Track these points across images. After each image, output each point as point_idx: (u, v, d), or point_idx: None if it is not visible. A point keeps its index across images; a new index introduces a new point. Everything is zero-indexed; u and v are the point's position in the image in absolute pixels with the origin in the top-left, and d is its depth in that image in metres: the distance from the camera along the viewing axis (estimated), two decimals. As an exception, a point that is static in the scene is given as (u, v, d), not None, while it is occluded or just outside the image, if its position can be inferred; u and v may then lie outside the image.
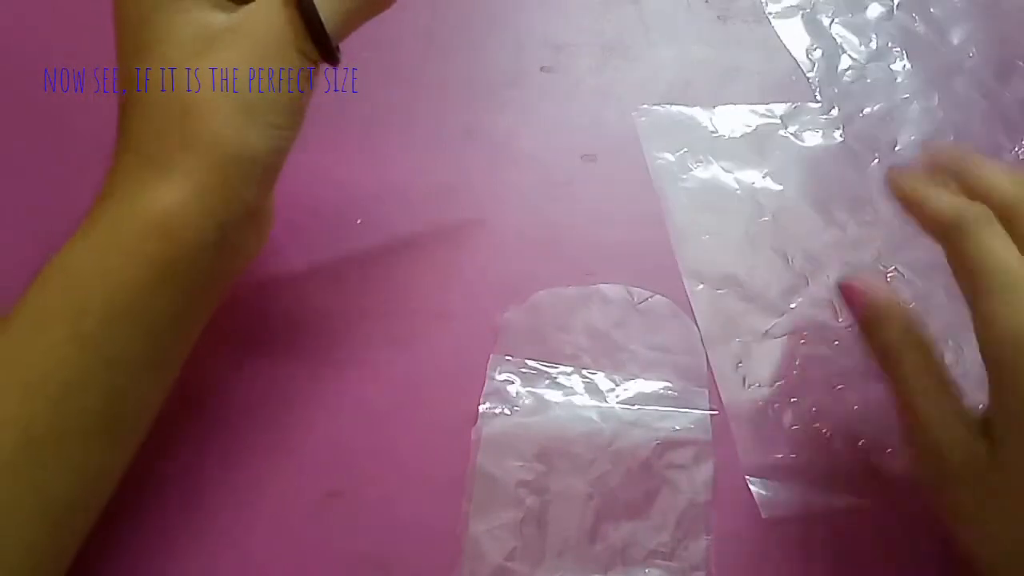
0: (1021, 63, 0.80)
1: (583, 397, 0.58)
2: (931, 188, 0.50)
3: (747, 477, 0.55)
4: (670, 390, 0.59)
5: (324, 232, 0.65)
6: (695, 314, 0.62)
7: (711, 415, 0.57)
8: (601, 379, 0.59)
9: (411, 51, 0.77)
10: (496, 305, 0.62)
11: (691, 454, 0.56)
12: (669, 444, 0.56)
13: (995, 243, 0.46)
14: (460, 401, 0.58)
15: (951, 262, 0.48)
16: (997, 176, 0.49)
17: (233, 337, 0.59)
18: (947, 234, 0.48)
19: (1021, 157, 0.73)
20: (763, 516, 0.55)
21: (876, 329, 0.51)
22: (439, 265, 0.64)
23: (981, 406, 0.58)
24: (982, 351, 0.45)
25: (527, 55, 0.78)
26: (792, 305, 0.63)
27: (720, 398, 0.59)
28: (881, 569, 0.54)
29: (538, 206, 0.68)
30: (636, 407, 0.57)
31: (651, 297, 0.63)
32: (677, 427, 0.56)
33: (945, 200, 0.49)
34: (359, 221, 0.66)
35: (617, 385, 0.59)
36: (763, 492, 0.55)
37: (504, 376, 0.58)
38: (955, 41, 0.82)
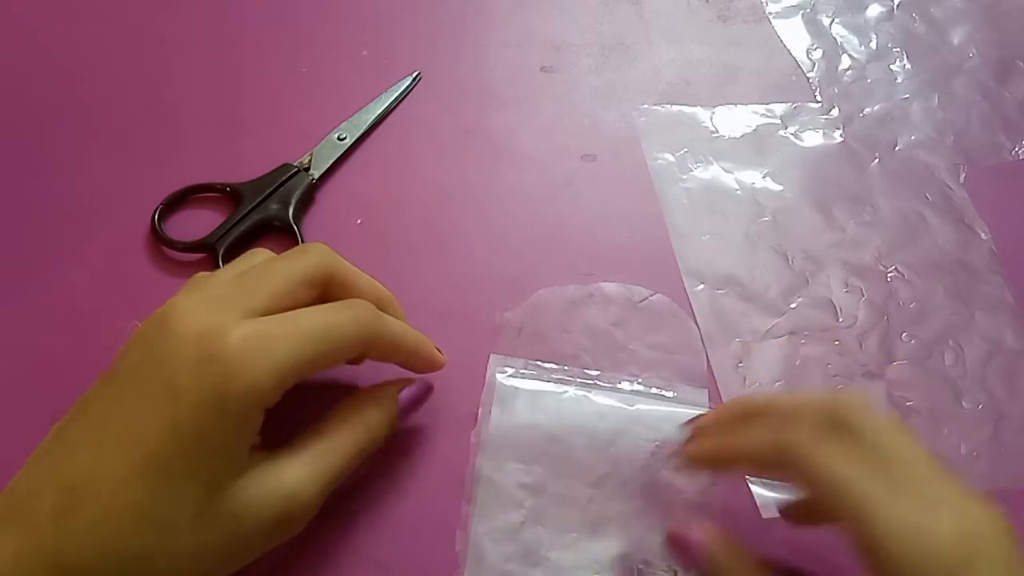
0: (1021, 64, 0.80)
1: (583, 397, 0.57)
2: (736, 434, 0.49)
3: (747, 477, 0.55)
4: (670, 390, 0.59)
5: (324, 232, 0.65)
6: (695, 314, 0.62)
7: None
8: (601, 379, 0.59)
9: (410, 51, 0.77)
10: (496, 305, 0.62)
11: (692, 454, 0.56)
12: (669, 445, 0.55)
13: (830, 457, 0.43)
14: (460, 401, 0.57)
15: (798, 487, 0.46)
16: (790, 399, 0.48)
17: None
18: (779, 463, 0.46)
19: (1021, 157, 0.73)
20: (763, 516, 0.54)
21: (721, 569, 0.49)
22: (439, 265, 0.65)
23: (981, 406, 0.59)
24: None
25: (527, 55, 0.78)
26: (792, 305, 0.63)
27: (721, 397, 0.59)
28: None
29: (538, 206, 0.68)
30: (636, 407, 0.57)
31: (651, 296, 0.63)
32: (676, 428, 0.56)
33: (758, 435, 0.47)
34: (359, 221, 0.66)
35: (617, 385, 0.59)
36: (763, 492, 0.55)
37: (504, 376, 0.58)
38: (955, 42, 0.82)
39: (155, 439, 0.42)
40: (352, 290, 0.51)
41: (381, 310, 0.52)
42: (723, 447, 0.50)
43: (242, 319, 0.44)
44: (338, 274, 0.50)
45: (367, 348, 0.50)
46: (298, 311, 0.47)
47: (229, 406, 0.42)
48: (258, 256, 0.51)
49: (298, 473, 0.46)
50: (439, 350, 0.55)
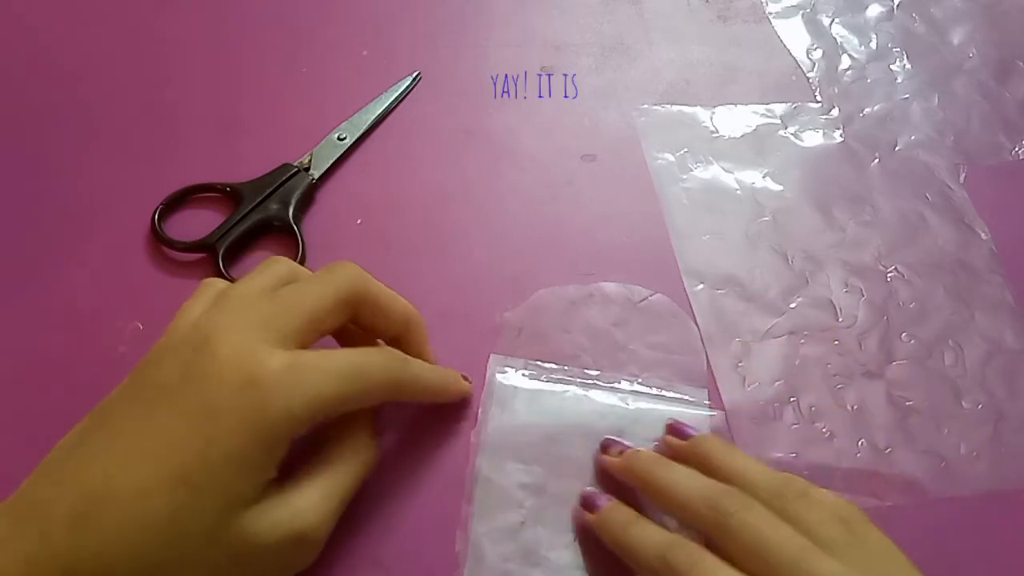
0: (1021, 64, 0.80)
1: (583, 397, 0.57)
2: (636, 525, 0.50)
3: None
4: (670, 390, 0.59)
5: (324, 232, 0.65)
6: (695, 314, 0.62)
7: (709, 416, 0.57)
8: (601, 379, 0.59)
9: (410, 51, 0.77)
10: (496, 305, 0.62)
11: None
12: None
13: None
14: (460, 401, 0.57)
15: None
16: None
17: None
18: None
19: (1021, 157, 0.73)
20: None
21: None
22: (439, 265, 0.65)
23: (981, 406, 0.58)
24: None
25: (527, 55, 0.78)
26: (792, 305, 0.63)
27: (720, 397, 0.59)
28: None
29: (538, 206, 0.68)
30: (635, 407, 0.57)
31: (651, 296, 0.63)
32: None
33: (651, 537, 0.48)
34: (359, 221, 0.66)
35: (617, 385, 0.59)
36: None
37: (504, 376, 0.58)
38: (955, 42, 0.82)
39: (185, 455, 0.42)
40: (381, 310, 0.51)
41: (407, 330, 0.53)
42: (617, 536, 0.50)
43: (280, 347, 0.45)
44: (368, 295, 0.50)
45: (394, 393, 0.51)
46: (333, 351, 0.47)
47: (263, 431, 0.43)
48: (280, 265, 0.51)
49: (309, 500, 0.46)
50: (466, 377, 0.57)
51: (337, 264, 0.50)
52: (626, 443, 0.54)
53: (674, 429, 0.55)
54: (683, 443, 0.53)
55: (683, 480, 0.49)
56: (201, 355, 0.44)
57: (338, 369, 0.46)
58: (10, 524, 0.41)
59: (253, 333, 0.45)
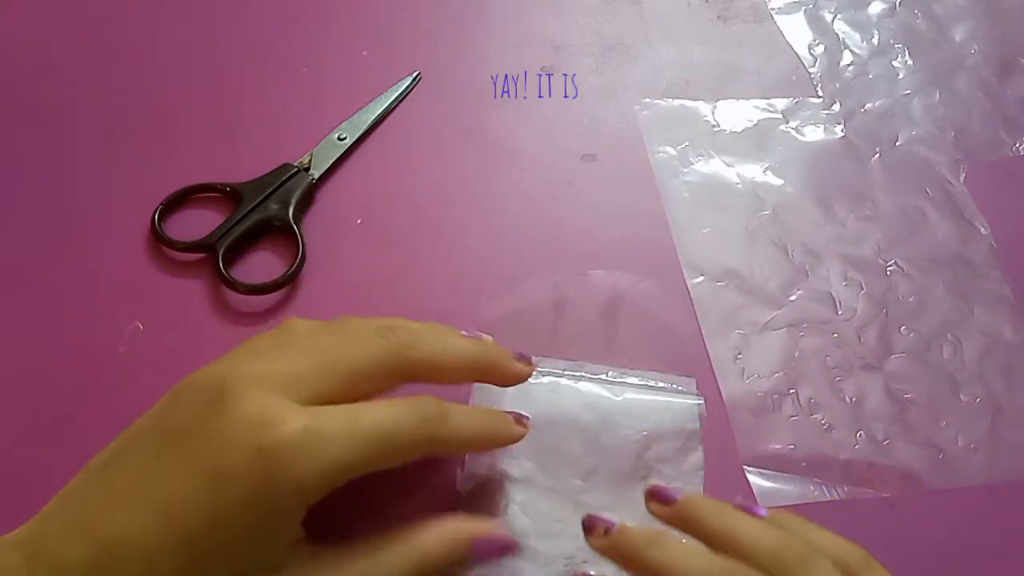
0: (1022, 61, 0.80)
1: (570, 389, 0.57)
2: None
3: (745, 468, 0.55)
4: (659, 379, 0.59)
5: (324, 232, 0.65)
6: (695, 306, 0.62)
7: (697, 404, 0.57)
8: (590, 370, 0.59)
9: (410, 51, 0.77)
10: (495, 305, 0.62)
11: (678, 445, 0.55)
12: (656, 435, 0.55)
13: None
14: (460, 399, 0.57)
15: None
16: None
17: (231, 337, 0.59)
18: None
19: (1021, 153, 0.73)
20: (761, 507, 0.54)
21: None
22: (439, 265, 0.65)
23: (979, 400, 0.58)
24: None
25: (527, 55, 0.78)
26: (791, 298, 0.63)
27: (719, 389, 0.59)
28: (877, 558, 0.53)
29: (538, 206, 0.68)
30: (624, 397, 0.57)
31: (641, 285, 0.63)
32: (664, 418, 0.56)
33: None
34: (359, 221, 0.66)
35: (606, 375, 0.58)
36: (761, 483, 0.55)
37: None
38: (957, 38, 0.82)
39: (192, 518, 0.40)
40: (439, 373, 0.49)
41: (485, 372, 0.51)
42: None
43: (301, 407, 0.42)
44: (421, 362, 0.48)
45: (431, 451, 0.47)
46: (361, 407, 0.44)
47: (272, 501, 0.41)
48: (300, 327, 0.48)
49: None
50: (521, 422, 0.52)
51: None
52: (609, 520, 0.47)
53: (655, 495, 0.49)
54: (669, 510, 0.48)
55: (678, 562, 0.45)
56: (215, 409, 0.42)
57: (363, 432, 0.43)
58: (24, 560, 0.41)
59: (275, 389, 0.42)
